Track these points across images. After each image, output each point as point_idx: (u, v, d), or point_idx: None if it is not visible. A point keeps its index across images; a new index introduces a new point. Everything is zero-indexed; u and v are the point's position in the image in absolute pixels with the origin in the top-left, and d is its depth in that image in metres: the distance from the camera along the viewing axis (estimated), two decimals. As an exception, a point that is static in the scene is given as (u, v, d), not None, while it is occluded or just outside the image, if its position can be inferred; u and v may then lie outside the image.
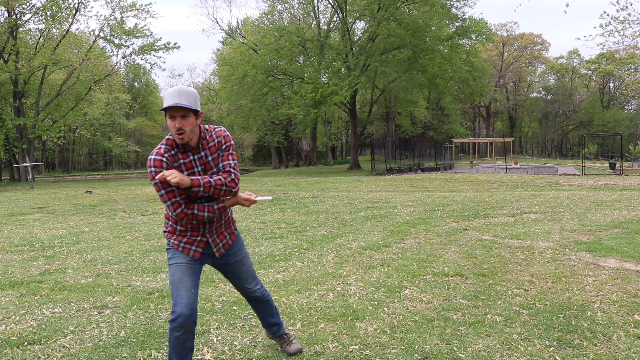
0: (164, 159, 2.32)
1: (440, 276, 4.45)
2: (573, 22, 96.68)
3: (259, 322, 3.35)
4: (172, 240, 2.49)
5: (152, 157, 2.32)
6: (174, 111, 2.26)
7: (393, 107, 42.56)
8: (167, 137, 2.40)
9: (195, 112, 2.30)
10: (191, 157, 2.38)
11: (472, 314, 3.47)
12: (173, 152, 2.36)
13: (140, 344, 3.02)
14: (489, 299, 3.79)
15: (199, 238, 2.48)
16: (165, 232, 2.55)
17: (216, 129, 2.44)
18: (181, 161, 2.37)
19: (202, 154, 2.40)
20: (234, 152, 2.47)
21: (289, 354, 2.83)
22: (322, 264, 5.05)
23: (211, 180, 2.33)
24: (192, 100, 2.27)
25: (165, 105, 2.26)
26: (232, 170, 2.39)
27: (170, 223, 2.51)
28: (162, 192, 2.31)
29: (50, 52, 28.59)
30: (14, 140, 30.72)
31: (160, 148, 2.36)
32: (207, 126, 2.44)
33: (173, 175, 2.20)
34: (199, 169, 2.39)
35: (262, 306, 2.82)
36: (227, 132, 2.48)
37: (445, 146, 44.58)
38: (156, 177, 2.26)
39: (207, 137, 2.41)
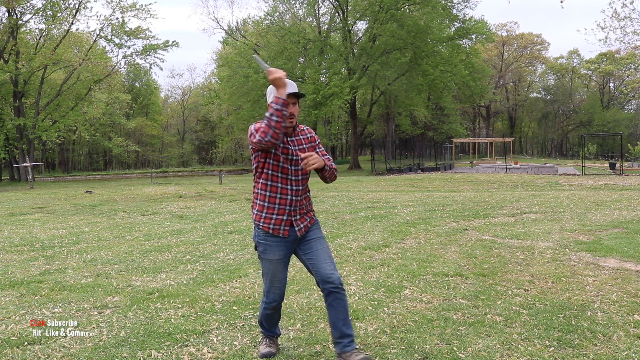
0: None
1: (440, 276, 4.45)
2: (573, 22, 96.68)
3: (256, 323, 3.35)
4: (261, 223, 2.68)
5: (254, 124, 2.60)
6: (290, 98, 2.57)
7: (393, 107, 42.54)
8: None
9: (298, 100, 2.67)
10: (287, 139, 2.69)
11: (472, 314, 3.47)
12: None
13: (140, 344, 3.02)
14: (489, 299, 3.79)
15: (285, 217, 2.68)
16: (253, 215, 2.74)
17: (306, 127, 2.84)
18: (281, 145, 2.65)
19: (297, 138, 2.74)
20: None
21: None
22: (322, 264, 5.04)
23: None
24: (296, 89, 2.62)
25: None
26: (333, 164, 2.84)
27: (258, 201, 2.71)
28: (252, 131, 2.56)
29: (50, 52, 28.60)
30: (14, 141, 30.71)
31: (259, 122, 2.60)
32: None
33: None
34: (293, 148, 2.69)
35: (339, 304, 2.65)
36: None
37: (445, 146, 44.56)
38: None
39: (297, 126, 2.77)
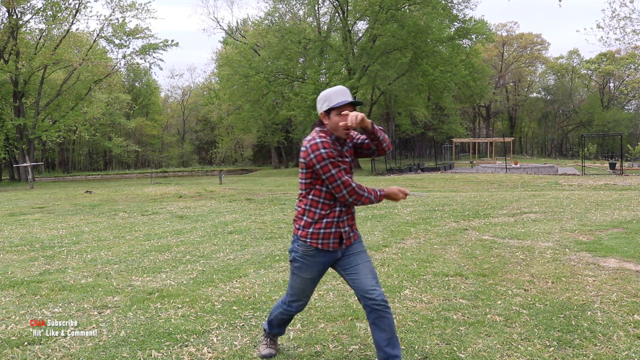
0: (330, 141, 2.47)
1: (440, 276, 4.45)
2: (573, 22, 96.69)
3: (259, 322, 3.35)
4: (308, 239, 2.55)
5: (319, 140, 2.43)
6: (346, 108, 2.45)
7: (393, 107, 42.57)
8: (317, 129, 2.52)
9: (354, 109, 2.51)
10: (341, 149, 2.56)
11: (472, 314, 3.47)
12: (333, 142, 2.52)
13: (140, 344, 3.02)
14: (489, 299, 3.79)
15: (333, 230, 2.55)
16: (297, 230, 2.59)
17: (354, 132, 2.69)
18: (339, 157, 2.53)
19: (348, 145, 2.61)
20: None
21: None
22: (322, 264, 5.04)
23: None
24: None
25: (336, 102, 2.45)
26: None
27: (305, 218, 2.56)
28: (333, 171, 2.43)
29: (50, 52, 28.60)
30: (14, 141, 30.71)
31: (320, 135, 2.47)
32: None
33: (356, 115, 2.36)
34: (349, 159, 2.58)
35: (383, 323, 2.47)
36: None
37: (445, 146, 44.56)
38: (349, 119, 2.36)
39: (351, 134, 2.65)
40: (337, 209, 2.54)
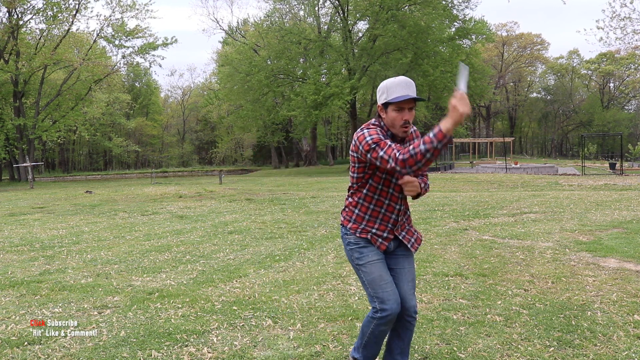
0: (381, 133, 2.22)
1: (440, 276, 4.44)
2: (573, 22, 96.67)
3: (259, 322, 3.35)
4: (358, 233, 2.37)
5: (366, 130, 2.22)
6: (405, 103, 2.19)
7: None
8: (372, 121, 2.31)
9: (415, 104, 2.25)
10: None
11: (472, 314, 3.47)
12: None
13: (140, 344, 3.02)
14: (489, 299, 3.79)
15: (385, 234, 2.38)
16: (347, 222, 2.42)
17: (413, 129, 2.37)
18: None
19: (406, 146, 2.25)
20: None
21: None
22: (322, 264, 5.04)
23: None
24: (416, 91, 2.22)
25: (395, 96, 2.18)
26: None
27: (357, 211, 2.38)
28: (381, 153, 2.12)
29: (50, 52, 28.61)
30: (14, 141, 30.72)
31: (369, 126, 2.26)
32: None
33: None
34: None
35: (404, 334, 2.40)
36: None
37: (445, 146, 44.41)
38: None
39: (410, 131, 2.35)
40: (392, 215, 2.36)
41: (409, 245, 2.43)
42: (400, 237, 2.41)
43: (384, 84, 2.25)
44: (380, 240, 2.37)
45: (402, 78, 2.22)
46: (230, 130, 53.94)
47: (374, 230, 2.37)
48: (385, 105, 2.23)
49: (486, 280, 4.32)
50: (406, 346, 2.44)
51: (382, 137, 2.18)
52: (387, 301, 2.29)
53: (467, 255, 5.28)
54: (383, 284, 2.31)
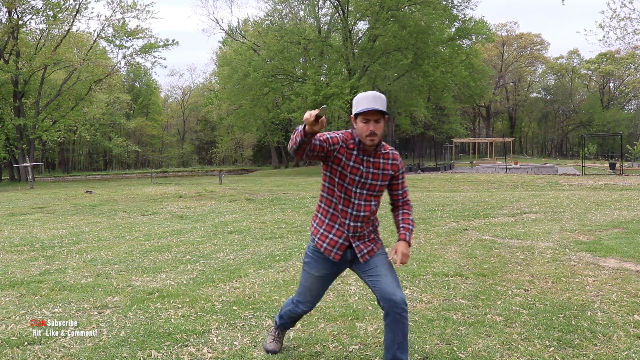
0: (339, 138, 2.41)
1: (440, 276, 4.45)
2: (573, 22, 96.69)
3: (259, 322, 3.35)
4: (316, 239, 2.56)
5: (333, 134, 2.40)
6: (370, 115, 2.35)
7: (393, 107, 42.54)
8: (345, 131, 2.47)
9: (383, 117, 2.39)
10: (363, 158, 2.46)
11: (472, 314, 3.47)
12: (349, 147, 2.44)
13: (140, 344, 3.02)
14: (489, 299, 3.79)
15: (341, 241, 2.51)
16: (311, 225, 2.63)
17: (393, 150, 2.54)
18: (351, 163, 2.44)
19: (377, 160, 2.48)
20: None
21: None
22: (322, 264, 5.04)
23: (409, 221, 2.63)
24: (384, 105, 2.38)
25: (361, 108, 2.34)
26: (409, 200, 2.66)
27: (319, 215, 2.58)
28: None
29: (50, 52, 28.61)
30: (14, 141, 30.72)
31: (337, 132, 2.44)
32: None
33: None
34: (365, 170, 2.46)
35: (397, 327, 2.42)
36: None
37: (445, 146, 44.56)
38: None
39: (383, 149, 2.50)
40: (347, 221, 2.48)
41: (359, 255, 2.52)
42: (354, 246, 2.51)
43: (356, 97, 2.42)
44: (334, 250, 2.51)
45: (372, 92, 2.40)
46: (230, 130, 53.91)
47: (330, 236, 2.52)
48: (356, 116, 2.40)
49: (486, 280, 4.32)
50: (403, 340, 2.44)
51: (330, 136, 2.38)
52: (304, 303, 2.71)
53: (467, 255, 5.28)
54: (309, 293, 2.67)
